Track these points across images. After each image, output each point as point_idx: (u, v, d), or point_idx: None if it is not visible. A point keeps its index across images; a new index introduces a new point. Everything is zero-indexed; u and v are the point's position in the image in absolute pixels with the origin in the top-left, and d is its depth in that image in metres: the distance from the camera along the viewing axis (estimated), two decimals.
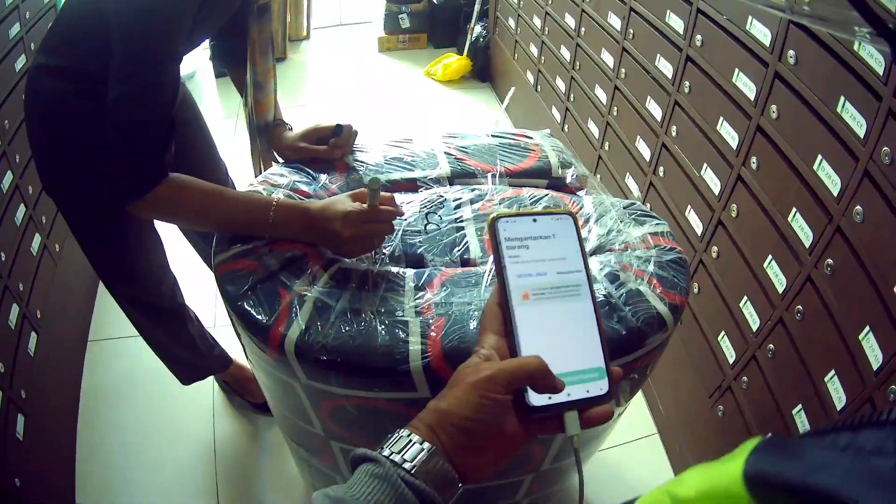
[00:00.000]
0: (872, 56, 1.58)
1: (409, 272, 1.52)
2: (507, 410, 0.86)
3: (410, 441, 0.82)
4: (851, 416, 0.56)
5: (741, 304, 2.19)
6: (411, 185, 1.84)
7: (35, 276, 2.89)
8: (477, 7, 5.74)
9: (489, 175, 1.85)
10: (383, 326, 1.38)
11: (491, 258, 0.99)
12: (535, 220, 0.97)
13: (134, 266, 2.35)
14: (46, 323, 2.89)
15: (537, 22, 4.25)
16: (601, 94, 3.31)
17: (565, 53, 3.79)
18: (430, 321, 1.39)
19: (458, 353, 1.33)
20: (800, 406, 1.91)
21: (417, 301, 1.43)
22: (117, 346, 3.42)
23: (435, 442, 0.83)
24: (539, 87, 4.37)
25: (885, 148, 1.53)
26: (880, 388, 1.59)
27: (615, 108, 3.17)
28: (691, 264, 2.48)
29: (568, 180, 1.89)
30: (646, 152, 2.84)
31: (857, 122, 1.65)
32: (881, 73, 1.55)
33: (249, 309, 1.45)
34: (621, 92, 3.07)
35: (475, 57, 5.83)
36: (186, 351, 2.75)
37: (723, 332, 2.33)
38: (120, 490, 2.79)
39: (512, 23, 4.88)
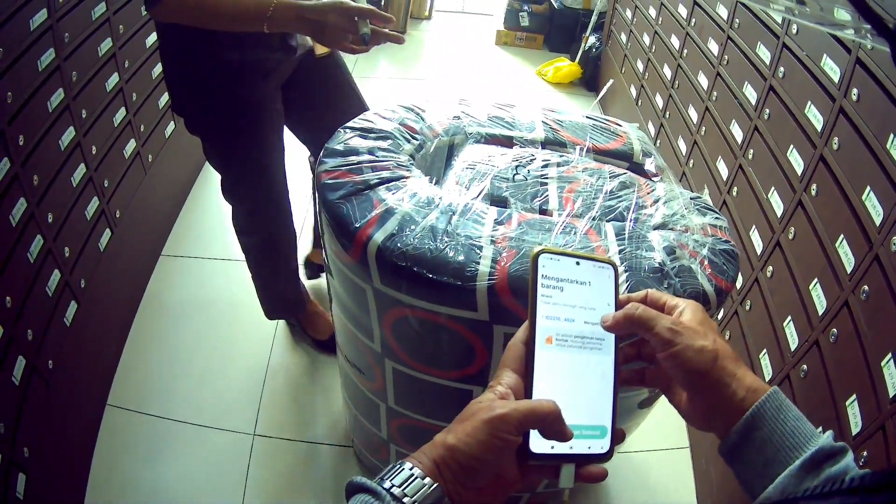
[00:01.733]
0: None
1: (493, 209, 1.64)
2: (513, 451, 0.84)
3: (413, 475, 0.80)
4: (822, 484, 0.57)
5: (784, 324, 2.25)
6: (508, 142, 1.96)
7: (123, 178, 3.05)
8: (594, 18, 5.81)
9: (577, 147, 1.97)
10: (460, 247, 1.50)
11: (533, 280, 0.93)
12: (577, 263, 0.95)
13: (260, 186, 2.55)
14: (123, 223, 3.05)
15: (646, 39, 4.34)
16: (693, 114, 3.40)
17: (667, 72, 3.88)
18: (503, 251, 1.50)
19: (522, 282, 1.45)
20: (820, 428, 1.93)
21: (494, 232, 1.55)
22: (189, 265, 3.59)
23: (437, 478, 0.80)
24: (640, 101, 4.45)
25: None
26: (893, 416, 1.63)
27: (703, 128, 3.25)
28: (747, 282, 2.57)
29: (646, 167, 1.99)
30: (724, 171, 2.93)
31: None
32: None
33: (342, 212, 1.60)
34: (710, 113, 3.16)
35: (586, 65, 5.90)
36: (286, 283, 2.93)
37: (764, 350, 2.39)
38: (154, 397, 2.92)
39: (623, 38, 4.96)
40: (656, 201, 1.79)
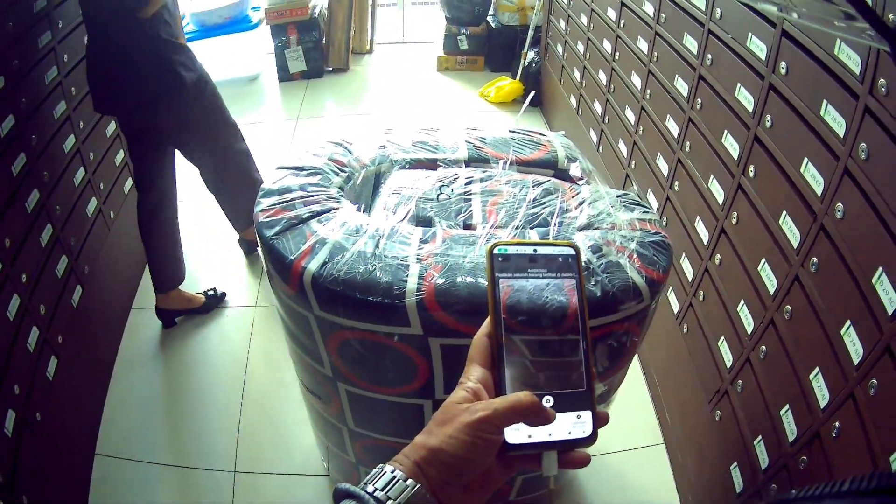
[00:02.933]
0: None
1: (418, 229, 1.72)
2: (497, 449, 0.84)
3: (395, 478, 0.81)
4: (813, 486, 0.54)
5: (738, 309, 2.30)
6: (432, 165, 2.04)
7: (88, 235, 3.17)
8: (530, 33, 5.90)
9: (500, 161, 2.04)
10: (388, 267, 1.58)
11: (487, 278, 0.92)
12: (535, 251, 0.93)
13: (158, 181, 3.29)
14: (93, 279, 3.17)
15: (581, 47, 4.42)
16: (630, 115, 3.47)
17: (602, 77, 3.96)
18: (428, 267, 1.57)
19: (448, 294, 1.52)
20: (787, 406, 1.99)
21: (420, 251, 1.62)
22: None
23: (420, 479, 0.81)
24: (580, 110, 4.52)
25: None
26: (861, 382, 1.64)
27: (641, 128, 3.32)
28: (697, 273, 2.62)
29: (571, 171, 2.07)
30: (664, 168, 2.99)
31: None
32: None
33: (279, 247, 1.68)
34: (646, 112, 3.24)
35: (527, 81, 5.98)
36: (171, 254, 3.53)
37: (722, 338, 2.44)
38: (139, 443, 3.04)
39: (560, 49, 5.04)
40: (581, 203, 1.86)
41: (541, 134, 2.24)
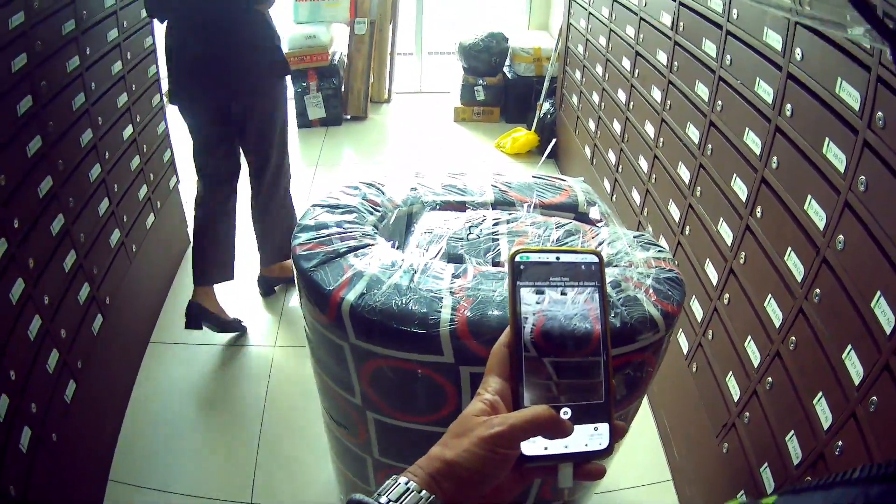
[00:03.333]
0: None
1: (450, 265, 1.86)
2: (512, 464, 0.84)
3: (409, 489, 0.81)
4: (824, 477, 0.54)
5: (746, 344, 2.42)
6: (461, 207, 2.19)
7: (110, 266, 3.26)
8: (546, 84, 6.04)
9: (525, 205, 2.20)
10: (423, 299, 1.72)
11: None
12: (557, 259, 0.91)
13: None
14: (114, 308, 3.26)
15: (595, 98, 4.59)
16: (643, 164, 3.62)
17: (617, 127, 4.12)
18: (461, 300, 1.71)
19: (480, 325, 1.66)
20: (792, 432, 2.10)
21: (452, 285, 1.77)
22: (177, 351, 3.80)
23: (434, 490, 0.81)
24: (594, 160, 4.68)
25: None
26: (861, 401, 1.76)
27: (654, 175, 3.47)
28: (707, 313, 2.76)
29: (591, 215, 2.23)
30: (676, 213, 3.13)
31: None
32: None
33: (317, 279, 1.82)
34: (659, 160, 3.39)
35: (542, 132, 6.11)
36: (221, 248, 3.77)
37: (730, 373, 2.55)
38: (154, 472, 3.08)
39: (575, 99, 5.20)
40: (600, 243, 2.01)
41: (562, 179, 2.41)
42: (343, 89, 6.67)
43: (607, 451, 0.86)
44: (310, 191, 5.49)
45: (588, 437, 0.86)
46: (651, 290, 1.82)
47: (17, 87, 2.47)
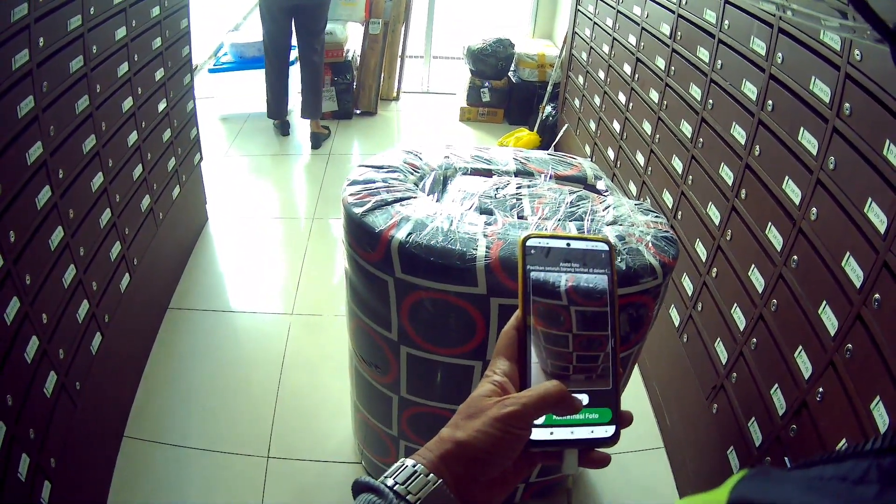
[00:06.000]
0: None
1: (482, 216, 2.17)
2: (524, 445, 0.83)
3: (416, 472, 0.80)
4: (836, 451, 0.54)
5: (732, 311, 2.68)
6: (488, 174, 2.51)
7: (139, 231, 3.43)
8: (549, 89, 6.30)
9: (542, 175, 2.53)
10: (461, 240, 2.02)
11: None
12: (568, 244, 0.91)
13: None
14: (141, 269, 3.43)
15: (597, 100, 4.89)
16: (640, 158, 3.92)
17: (616, 126, 4.42)
18: (493, 241, 2.02)
19: (510, 261, 1.96)
20: (776, 385, 2.33)
21: (486, 230, 2.07)
22: (195, 317, 3.97)
23: (442, 474, 0.80)
24: (594, 157, 4.95)
25: None
26: (838, 350, 1.98)
27: (650, 168, 3.77)
28: (696, 287, 3.04)
29: (598, 186, 2.55)
30: (669, 201, 3.44)
31: None
32: None
33: (368, 221, 2.10)
34: (655, 154, 3.69)
35: (543, 132, 6.34)
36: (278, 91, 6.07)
37: (718, 339, 2.80)
38: (170, 430, 3.18)
39: (577, 102, 5.48)
40: (607, 207, 2.32)
41: (573, 157, 2.74)
42: (355, 85, 6.91)
43: (613, 440, 0.87)
44: (323, 178, 5.73)
45: (594, 424, 0.87)
46: (650, 245, 2.12)
47: (70, 45, 2.63)
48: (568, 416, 0.85)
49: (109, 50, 3.06)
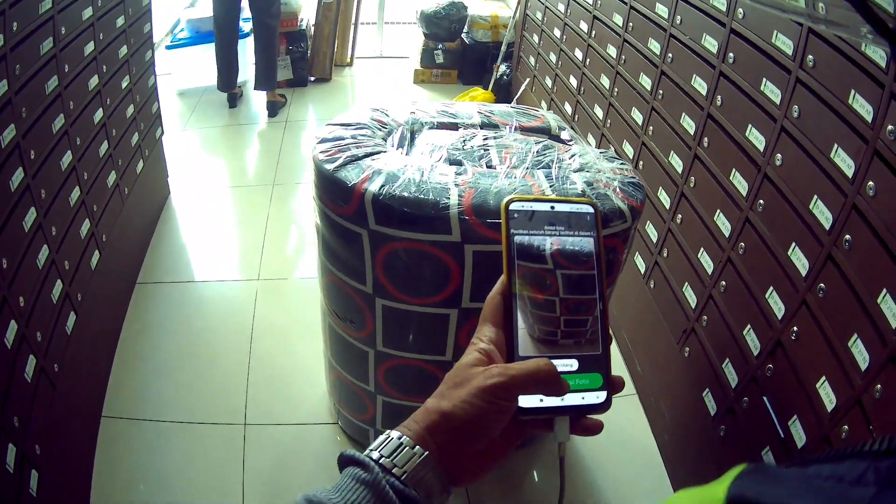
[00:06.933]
0: None
1: (452, 167, 2.17)
2: (510, 415, 0.82)
3: (402, 445, 0.79)
4: (835, 449, 0.53)
5: (699, 255, 2.69)
6: (454, 127, 2.49)
7: (106, 207, 3.39)
8: (503, 48, 6.29)
9: (507, 126, 2.52)
10: (433, 189, 2.01)
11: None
12: (552, 207, 0.89)
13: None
14: (109, 245, 3.39)
15: (553, 57, 4.89)
16: (599, 112, 3.92)
17: (573, 82, 4.42)
18: (464, 190, 2.01)
19: (482, 207, 1.96)
20: (749, 326, 2.35)
21: (456, 179, 2.07)
22: (163, 290, 3.94)
23: (428, 445, 0.79)
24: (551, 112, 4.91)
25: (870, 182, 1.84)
26: (811, 289, 2.01)
27: (609, 121, 3.78)
28: (661, 234, 3.06)
29: (562, 136, 2.56)
30: (630, 151, 3.44)
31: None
32: None
33: (340, 176, 2.08)
34: (614, 107, 3.70)
35: (498, 92, 6.34)
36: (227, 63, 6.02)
37: (686, 284, 2.81)
38: (146, 405, 3.14)
39: (532, 60, 5.49)
40: (573, 156, 2.33)
41: (536, 109, 2.74)
42: (309, 53, 6.86)
43: (605, 406, 0.85)
44: (280, 145, 5.72)
45: (585, 390, 0.85)
46: (618, 189, 2.13)
47: (41, 27, 2.63)
48: None
49: (77, 30, 3.02)
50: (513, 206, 0.88)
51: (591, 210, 0.90)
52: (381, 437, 0.81)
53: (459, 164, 2.21)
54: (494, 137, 2.39)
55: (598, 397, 0.85)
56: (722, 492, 0.54)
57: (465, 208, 1.96)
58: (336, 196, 2.10)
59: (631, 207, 2.10)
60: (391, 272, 2.15)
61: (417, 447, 0.79)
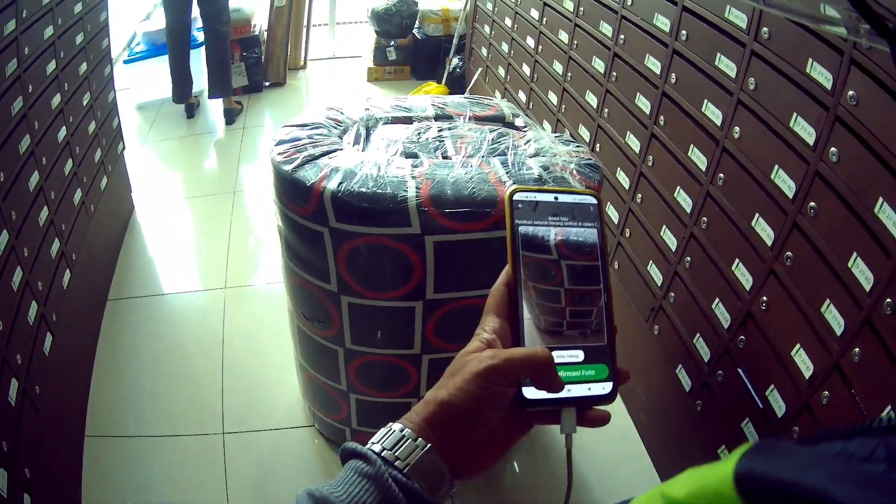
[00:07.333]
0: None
1: (408, 160, 2.14)
2: (508, 403, 0.79)
3: (403, 437, 0.77)
4: (844, 427, 0.52)
5: (662, 233, 2.67)
6: (408, 121, 2.48)
7: (74, 225, 3.34)
8: (455, 41, 6.23)
9: (461, 117, 2.51)
10: (391, 183, 1.99)
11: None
12: (556, 198, 0.88)
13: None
14: (79, 264, 3.33)
15: (505, 47, 4.85)
16: (553, 98, 3.89)
17: (526, 70, 4.39)
18: (421, 182, 1.99)
19: (439, 198, 1.95)
20: (717, 300, 2.34)
21: (413, 171, 2.04)
22: (134, 305, 3.89)
23: (430, 437, 0.77)
24: (505, 100, 4.86)
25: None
26: (777, 258, 2.00)
27: (563, 106, 3.74)
28: (622, 215, 3.03)
29: (516, 123, 2.56)
30: (587, 135, 3.41)
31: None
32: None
33: (299, 176, 2.05)
34: (568, 92, 3.66)
35: (452, 85, 6.30)
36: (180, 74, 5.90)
37: (651, 262, 2.79)
38: (127, 420, 3.11)
39: (484, 51, 5.45)
40: (528, 141, 2.32)
41: (489, 98, 2.73)
42: (263, 58, 6.79)
43: (611, 397, 0.84)
44: (239, 151, 5.66)
45: (591, 381, 0.84)
46: (575, 172, 2.13)
47: (5, 49, 2.59)
48: (563, 374, 0.81)
49: (39, 49, 3.00)
50: (517, 197, 0.86)
51: (593, 201, 0.89)
52: (383, 430, 0.79)
53: (415, 156, 2.19)
54: (449, 128, 2.37)
55: (604, 388, 0.84)
56: (730, 468, 0.52)
57: (423, 199, 1.95)
58: (295, 196, 2.07)
59: (589, 188, 2.06)
60: (354, 269, 2.13)
61: (420, 439, 0.77)
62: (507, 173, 2.08)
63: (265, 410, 3.18)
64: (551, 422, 0.83)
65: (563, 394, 0.80)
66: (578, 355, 0.83)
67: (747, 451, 0.54)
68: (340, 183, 1.98)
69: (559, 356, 0.81)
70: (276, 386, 3.30)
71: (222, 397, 3.24)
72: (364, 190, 1.96)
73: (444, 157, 2.21)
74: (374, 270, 2.12)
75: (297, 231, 2.16)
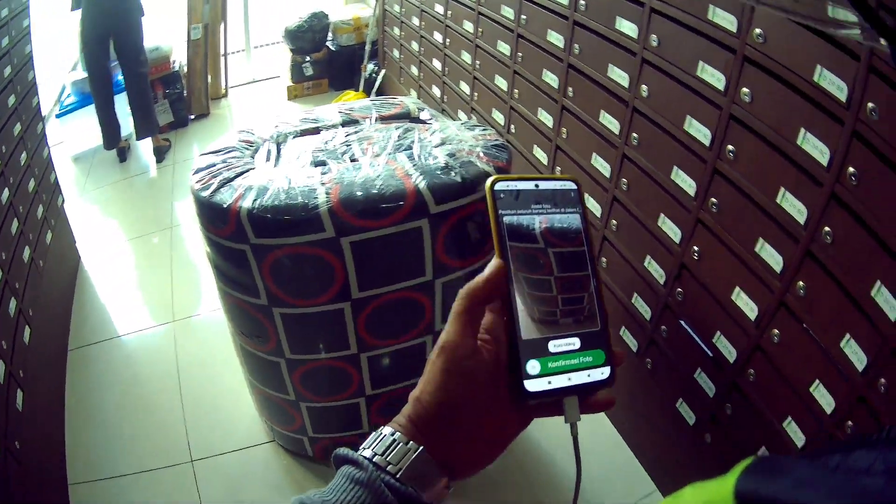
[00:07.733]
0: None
1: (317, 168, 2.15)
2: (479, 384, 0.75)
3: (394, 441, 0.74)
4: (844, 440, 0.52)
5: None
6: (316, 131, 2.49)
7: (27, 282, 3.27)
8: (368, 47, 6.19)
9: (367, 119, 2.53)
10: (302, 192, 1.99)
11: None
12: (536, 186, 0.85)
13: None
14: (36, 319, 3.26)
15: (415, 46, 4.83)
16: (465, 88, 3.88)
17: (437, 65, 4.38)
18: (331, 187, 2.00)
19: (349, 200, 1.97)
20: (648, 257, 2.33)
21: (322, 178, 2.05)
22: (93, 352, 3.82)
23: (418, 438, 0.74)
24: (422, 98, 4.86)
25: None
26: (703, 206, 2.01)
27: (476, 94, 3.74)
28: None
29: (422, 117, 2.58)
30: (501, 119, 3.41)
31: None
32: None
33: (216, 200, 2.05)
34: (478, 80, 3.65)
35: (369, 91, 6.23)
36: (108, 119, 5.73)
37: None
38: (102, 464, 3.08)
39: (397, 53, 5.42)
40: (434, 132, 2.34)
41: (395, 97, 2.75)
42: (185, 93, 6.66)
43: (610, 381, 0.81)
44: (172, 187, 5.59)
45: (590, 367, 0.81)
46: (482, 154, 2.15)
47: None
48: (563, 363, 0.79)
49: None
50: (497, 187, 0.82)
51: (573, 186, 0.86)
52: (374, 435, 0.76)
53: (324, 164, 2.21)
54: (355, 132, 2.40)
55: (603, 373, 0.81)
56: (730, 485, 0.51)
57: (334, 204, 1.97)
58: (215, 219, 2.07)
59: (497, 168, 2.12)
60: (280, 280, 2.13)
61: (411, 442, 0.74)
62: (413, 166, 2.10)
63: (226, 433, 3.19)
64: (553, 413, 0.81)
65: (564, 383, 0.78)
66: (575, 343, 0.80)
67: (747, 467, 0.53)
68: (255, 200, 1.99)
69: (556, 345, 0.79)
70: (234, 408, 3.30)
71: (185, 427, 3.22)
72: (277, 203, 1.97)
73: (352, 160, 2.22)
74: (298, 279, 2.12)
75: (222, 253, 2.16)
